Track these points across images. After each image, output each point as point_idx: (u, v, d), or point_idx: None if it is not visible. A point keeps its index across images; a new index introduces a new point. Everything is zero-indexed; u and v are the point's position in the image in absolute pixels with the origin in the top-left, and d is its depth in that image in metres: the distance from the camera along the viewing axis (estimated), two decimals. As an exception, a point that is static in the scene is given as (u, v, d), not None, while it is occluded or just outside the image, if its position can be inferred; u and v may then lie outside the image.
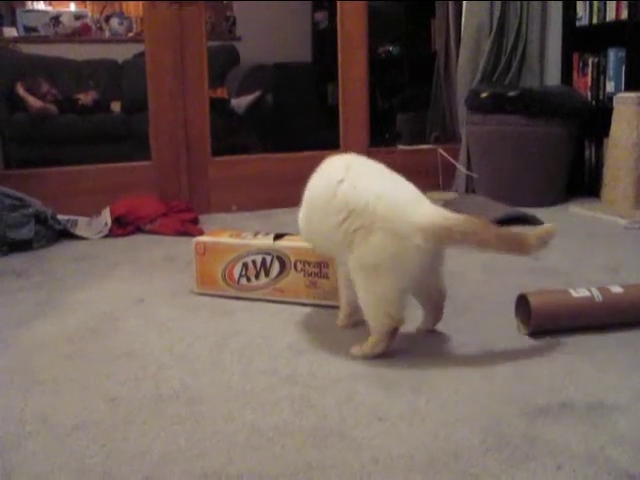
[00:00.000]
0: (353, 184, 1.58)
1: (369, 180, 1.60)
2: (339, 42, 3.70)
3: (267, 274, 1.99)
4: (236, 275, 2.03)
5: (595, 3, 3.53)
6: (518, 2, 3.71)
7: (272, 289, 2.00)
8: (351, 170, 1.61)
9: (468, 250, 2.60)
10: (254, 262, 2.00)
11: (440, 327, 1.81)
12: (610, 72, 3.50)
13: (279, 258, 1.97)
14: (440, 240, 1.52)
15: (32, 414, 1.38)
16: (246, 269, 2.01)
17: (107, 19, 5.87)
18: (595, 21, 3.55)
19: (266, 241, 2.00)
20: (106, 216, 3.06)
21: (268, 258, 1.98)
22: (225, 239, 2.07)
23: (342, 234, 1.57)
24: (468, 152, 3.70)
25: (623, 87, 3.41)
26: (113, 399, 1.44)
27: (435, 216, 1.53)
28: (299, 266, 1.95)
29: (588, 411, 1.33)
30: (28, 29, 5.60)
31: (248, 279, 2.02)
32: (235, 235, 2.09)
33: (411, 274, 1.54)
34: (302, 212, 1.74)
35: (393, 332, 1.58)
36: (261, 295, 2.01)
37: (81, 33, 5.67)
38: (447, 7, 4.04)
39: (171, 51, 3.39)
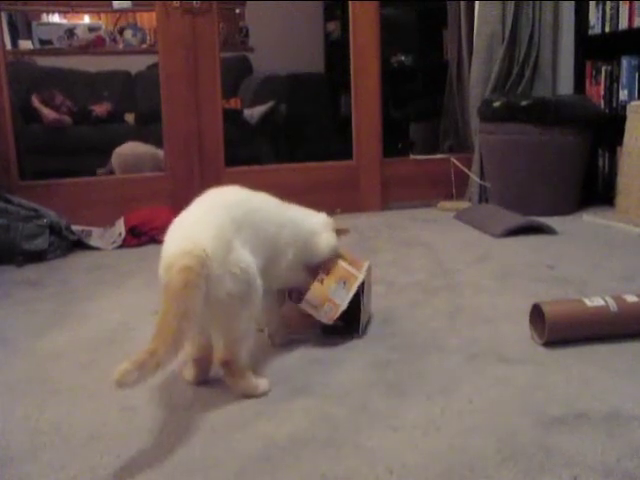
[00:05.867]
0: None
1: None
2: (351, 52, 3.71)
3: None
4: None
5: (608, 11, 3.53)
6: (530, 11, 3.71)
7: None
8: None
9: (479, 259, 2.60)
10: None
11: (454, 336, 1.80)
12: (623, 80, 3.49)
13: None
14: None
15: (47, 424, 1.38)
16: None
17: (121, 31, 5.91)
18: (608, 29, 3.54)
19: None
20: (120, 226, 3.07)
21: None
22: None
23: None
24: (481, 161, 3.70)
25: (637, 95, 3.40)
26: (127, 409, 1.44)
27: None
28: None
29: (604, 422, 1.32)
30: (43, 42, 5.65)
31: None
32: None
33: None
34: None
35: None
36: None
37: (95, 45, 5.71)
38: (459, 16, 4.04)
39: (185, 62, 3.42)
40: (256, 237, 1.53)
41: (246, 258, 1.46)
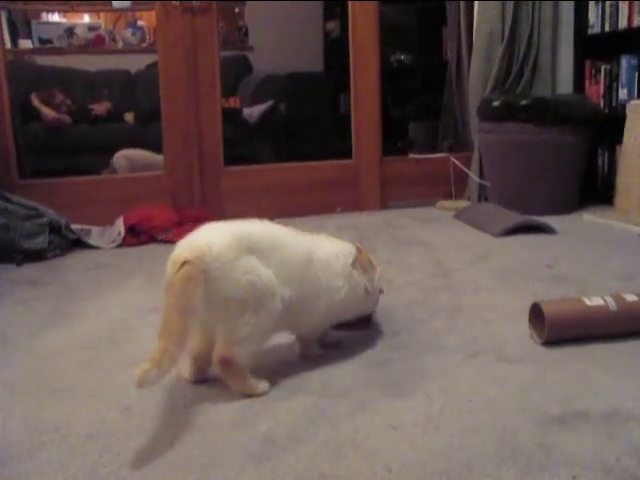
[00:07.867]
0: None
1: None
2: (351, 51, 3.71)
3: None
4: None
5: (607, 10, 3.53)
6: (530, 9, 3.71)
7: None
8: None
9: (479, 259, 2.60)
10: None
11: (454, 335, 1.80)
12: (623, 79, 3.49)
13: None
14: None
15: (47, 423, 1.38)
16: None
17: (120, 30, 5.91)
18: (607, 28, 3.54)
19: None
20: (119, 225, 3.07)
21: None
22: None
23: None
24: (480, 160, 3.70)
25: (636, 94, 3.40)
26: (127, 408, 1.44)
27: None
28: None
29: (604, 421, 1.32)
30: (43, 41, 5.64)
31: None
32: None
33: None
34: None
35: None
36: None
37: (95, 44, 5.71)
38: (458, 15, 4.04)
39: (184, 61, 3.41)
40: (281, 264, 1.52)
41: (259, 272, 1.45)
